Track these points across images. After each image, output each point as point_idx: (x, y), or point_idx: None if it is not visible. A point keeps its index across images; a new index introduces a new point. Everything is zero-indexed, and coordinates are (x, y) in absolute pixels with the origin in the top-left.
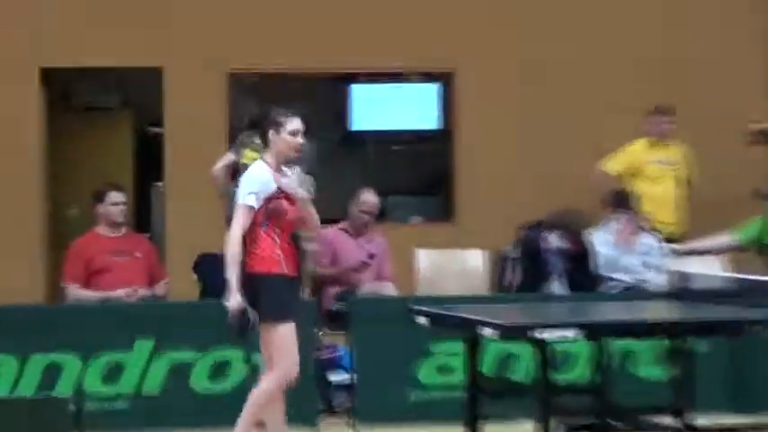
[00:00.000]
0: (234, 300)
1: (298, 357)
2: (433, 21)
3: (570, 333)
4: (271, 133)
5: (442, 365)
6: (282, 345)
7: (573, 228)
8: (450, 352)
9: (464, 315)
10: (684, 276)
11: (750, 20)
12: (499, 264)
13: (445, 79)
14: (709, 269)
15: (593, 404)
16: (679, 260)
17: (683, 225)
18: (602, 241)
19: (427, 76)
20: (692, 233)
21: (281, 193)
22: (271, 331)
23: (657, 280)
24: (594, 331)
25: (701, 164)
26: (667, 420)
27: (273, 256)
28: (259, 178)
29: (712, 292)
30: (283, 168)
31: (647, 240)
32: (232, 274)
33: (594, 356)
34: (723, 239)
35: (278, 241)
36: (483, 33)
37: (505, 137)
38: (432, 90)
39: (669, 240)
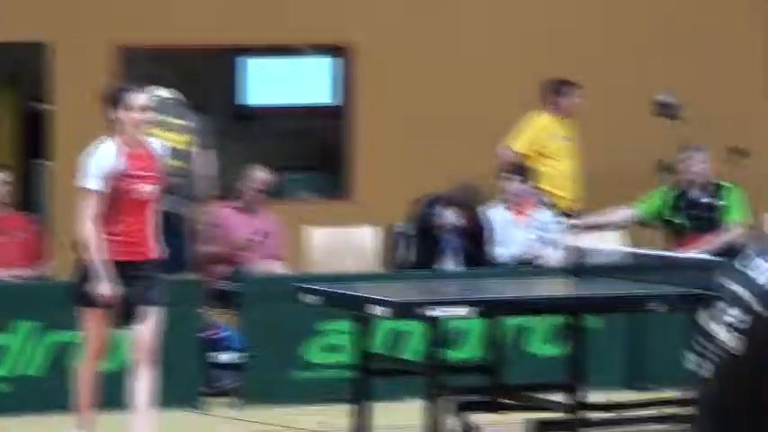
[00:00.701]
0: (104, 285)
1: (97, 343)
2: None
3: (462, 311)
4: (116, 111)
5: (332, 345)
6: (84, 329)
7: (468, 204)
8: (340, 331)
9: (353, 293)
10: (581, 252)
11: None
12: (393, 241)
13: (341, 53)
14: (606, 244)
15: (485, 382)
16: (576, 235)
17: (580, 200)
18: (498, 215)
19: (322, 50)
20: (594, 207)
21: (124, 173)
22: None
23: (554, 255)
24: (487, 309)
25: (602, 137)
26: (560, 398)
27: (102, 241)
28: (99, 158)
29: (609, 267)
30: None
31: (545, 215)
32: (96, 260)
33: (487, 334)
34: (622, 213)
35: (118, 225)
36: (379, 6)
37: (401, 112)
38: (327, 64)
39: (567, 215)
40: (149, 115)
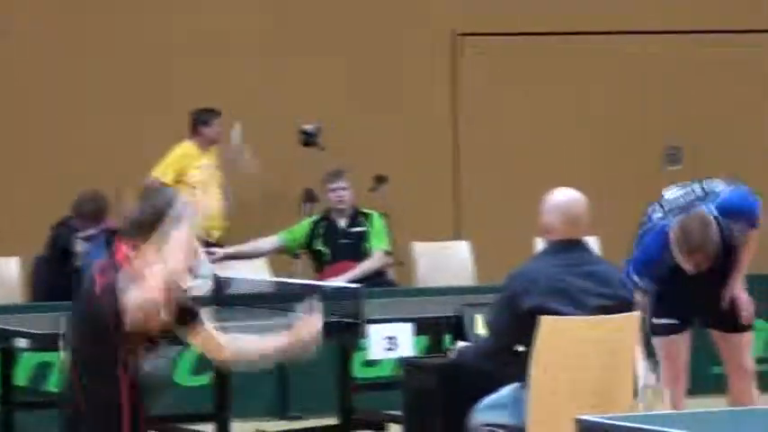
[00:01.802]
0: None
1: None
2: None
3: None
4: None
5: None
6: None
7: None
8: None
9: None
10: (223, 281)
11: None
12: (33, 269)
13: None
14: (255, 274)
15: None
16: (218, 264)
17: (225, 229)
18: None
19: None
20: (239, 236)
21: None
22: None
23: (197, 285)
24: None
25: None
26: (207, 429)
27: None
28: None
29: (250, 296)
30: None
31: None
32: None
33: None
34: (267, 242)
35: None
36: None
37: (30, 134)
38: None
39: (210, 244)
40: None
